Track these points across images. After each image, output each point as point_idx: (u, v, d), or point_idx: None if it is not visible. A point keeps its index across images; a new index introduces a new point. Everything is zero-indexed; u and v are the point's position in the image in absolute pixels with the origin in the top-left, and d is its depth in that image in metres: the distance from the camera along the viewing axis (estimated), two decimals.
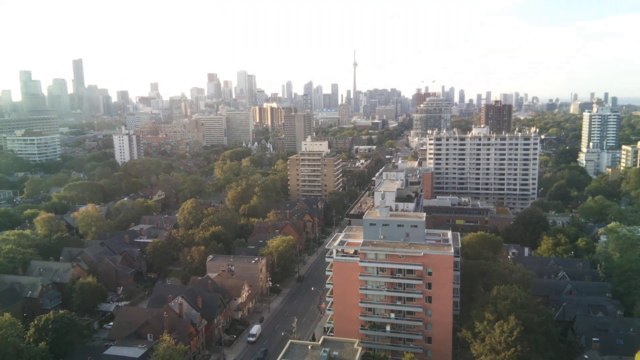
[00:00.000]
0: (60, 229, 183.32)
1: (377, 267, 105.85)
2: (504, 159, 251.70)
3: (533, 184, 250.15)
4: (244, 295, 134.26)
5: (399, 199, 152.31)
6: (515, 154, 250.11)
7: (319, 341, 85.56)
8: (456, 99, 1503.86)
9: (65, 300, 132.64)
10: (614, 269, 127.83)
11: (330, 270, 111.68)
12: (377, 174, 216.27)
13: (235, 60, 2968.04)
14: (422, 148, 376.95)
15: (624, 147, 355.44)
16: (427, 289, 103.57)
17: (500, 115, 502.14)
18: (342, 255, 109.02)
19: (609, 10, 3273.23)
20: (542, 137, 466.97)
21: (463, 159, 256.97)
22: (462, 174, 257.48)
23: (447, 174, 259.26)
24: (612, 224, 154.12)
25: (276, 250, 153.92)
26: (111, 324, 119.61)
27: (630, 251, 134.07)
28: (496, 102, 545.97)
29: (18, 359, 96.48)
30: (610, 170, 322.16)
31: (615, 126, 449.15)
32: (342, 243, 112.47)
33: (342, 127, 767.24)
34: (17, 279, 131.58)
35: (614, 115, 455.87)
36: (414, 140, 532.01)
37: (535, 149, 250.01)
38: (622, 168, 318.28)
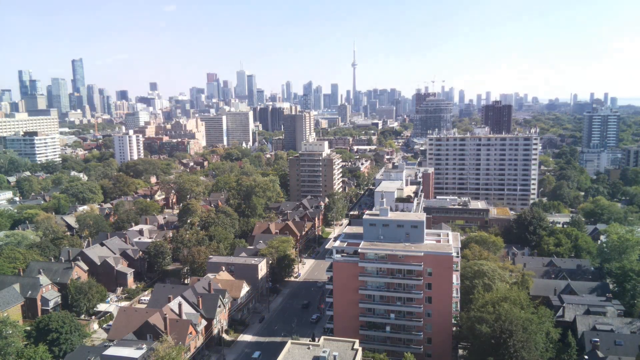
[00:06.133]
0: (60, 229, 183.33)
1: (377, 268, 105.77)
2: (504, 159, 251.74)
3: (533, 184, 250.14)
4: (243, 295, 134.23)
5: (399, 199, 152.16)
6: (516, 154, 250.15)
7: (318, 341, 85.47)
8: (456, 99, 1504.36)
9: (65, 300, 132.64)
10: (614, 269, 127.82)
11: (330, 271, 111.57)
12: (377, 174, 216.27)
13: (235, 60, 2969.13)
14: (422, 148, 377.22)
15: (623, 147, 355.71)
16: (427, 289, 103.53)
17: (500, 115, 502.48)
18: (342, 256, 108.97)
19: (607, 9, 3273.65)
20: (542, 137, 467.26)
21: (463, 159, 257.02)
22: (462, 174, 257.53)
23: (447, 174, 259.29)
24: (612, 224, 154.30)
25: (276, 251, 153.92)
26: (111, 324, 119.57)
27: (629, 251, 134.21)
28: (496, 102, 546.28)
29: (18, 359, 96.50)
30: (611, 170, 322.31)
31: (615, 126, 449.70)
32: (342, 243, 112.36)
33: (342, 127, 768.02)
34: (17, 279, 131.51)
35: (614, 115, 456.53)
36: (414, 141, 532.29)
37: (535, 149, 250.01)
38: (621, 168, 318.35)
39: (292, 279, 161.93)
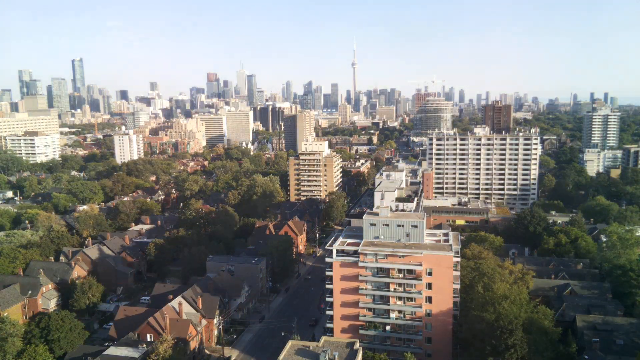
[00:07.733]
0: (60, 228, 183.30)
1: (377, 268, 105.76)
2: (504, 159, 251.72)
3: (533, 184, 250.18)
4: (243, 295, 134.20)
5: (399, 199, 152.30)
6: (516, 154, 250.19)
7: (319, 342, 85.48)
8: (456, 99, 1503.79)
9: (65, 300, 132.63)
10: (614, 269, 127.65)
11: (330, 271, 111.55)
12: (377, 174, 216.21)
13: (235, 60, 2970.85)
14: (422, 148, 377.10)
15: (624, 147, 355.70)
16: (427, 289, 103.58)
17: (500, 115, 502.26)
18: (342, 256, 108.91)
19: (608, 9, 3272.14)
20: (542, 137, 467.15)
21: (463, 159, 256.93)
22: (463, 174, 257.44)
23: (447, 174, 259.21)
24: (613, 224, 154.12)
25: (276, 250, 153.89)
26: (111, 324, 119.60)
27: (630, 251, 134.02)
28: (496, 102, 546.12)
29: (18, 358, 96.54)
30: (611, 170, 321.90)
31: (615, 126, 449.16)
32: (342, 243, 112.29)
33: (342, 127, 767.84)
34: (17, 279, 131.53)
35: (615, 115, 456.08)
36: (414, 140, 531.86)
37: (535, 149, 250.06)
38: (621, 168, 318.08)
39: (292, 278, 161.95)
